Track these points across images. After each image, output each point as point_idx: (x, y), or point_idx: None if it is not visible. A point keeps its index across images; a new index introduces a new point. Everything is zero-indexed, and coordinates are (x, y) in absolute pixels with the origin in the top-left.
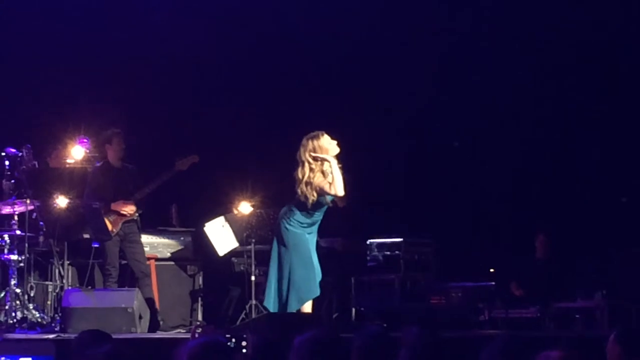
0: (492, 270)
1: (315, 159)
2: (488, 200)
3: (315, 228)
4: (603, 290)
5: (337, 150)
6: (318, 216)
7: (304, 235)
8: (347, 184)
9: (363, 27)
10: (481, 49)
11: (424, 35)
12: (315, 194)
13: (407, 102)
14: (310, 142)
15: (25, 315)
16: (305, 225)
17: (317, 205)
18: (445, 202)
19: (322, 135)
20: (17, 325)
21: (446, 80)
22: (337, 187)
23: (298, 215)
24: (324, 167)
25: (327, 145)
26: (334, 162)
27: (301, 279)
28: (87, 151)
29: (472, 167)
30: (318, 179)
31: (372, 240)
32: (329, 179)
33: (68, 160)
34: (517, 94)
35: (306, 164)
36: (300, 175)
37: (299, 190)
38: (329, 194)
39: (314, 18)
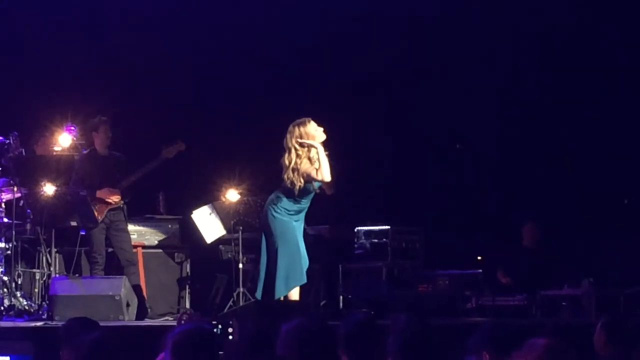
0: (479, 258)
1: (301, 145)
2: (475, 188)
3: (302, 215)
4: (590, 278)
5: (323, 137)
6: (305, 203)
7: (290, 223)
8: (334, 171)
9: (354, 18)
10: (478, 42)
11: (418, 29)
12: (302, 180)
13: (394, 89)
14: (296, 129)
15: (12, 303)
16: (292, 212)
17: (304, 192)
18: (433, 189)
19: (309, 121)
20: (4, 313)
21: (433, 68)
22: (323, 172)
23: (285, 203)
24: (311, 154)
25: (314, 132)
26: (321, 148)
27: (288, 266)
28: (74, 139)
29: (460, 155)
30: (305, 165)
31: (359, 228)
32: (316, 165)
33: (55, 148)
34: (503, 78)
35: (293, 150)
36: (287, 162)
37: (285, 177)
38: (315, 180)
39: (303, 7)
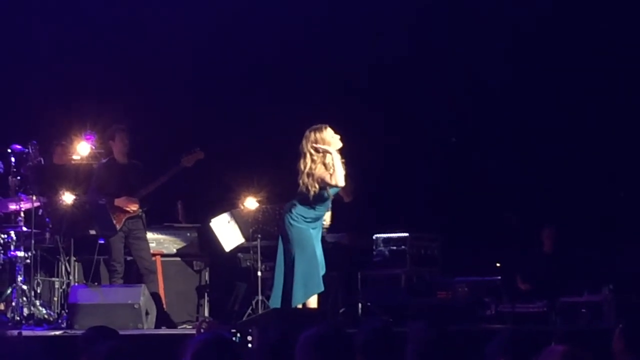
0: (498, 264)
1: (317, 150)
2: (494, 194)
3: (319, 223)
4: (610, 284)
5: (339, 144)
6: (321, 210)
7: (308, 231)
8: (352, 178)
9: (367, 26)
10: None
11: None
12: (317, 186)
13: (410, 98)
14: (312, 134)
15: (32, 312)
16: (309, 220)
17: (319, 198)
18: (451, 196)
19: (325, 128)
20: (24, 322)
21: (450, 73)
22: (337, 177)
23: (301, 210)
24: (326, 160)
25: (330, 139)
26: (336, 154)
27: (305, 274)
28: (93, 147)
29: (478, 161)
30: (319, 171)
31: (378, 235)
32: (330, 170)
33: (74, 157)
34: (519, 84)
35: (308, 155)
36: (302, 167)
37: (300, 182)
38: (329, 185)
39: (321, 14)
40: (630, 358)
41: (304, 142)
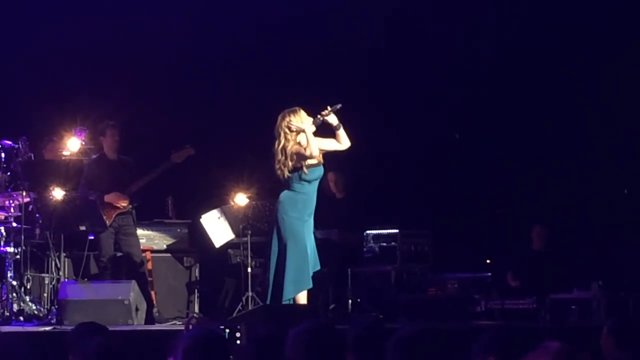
0: (488, 261)
1: (290, 129)
2: (484, 191)
3: (309, 218)
4: (599, 281)
5: (313, 128)
6: (306, 199)
7: (297, 225)
8: (343, 175)
9: (361, 20)
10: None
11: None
12: (290, 164)
13: (404, 94)
14: (287, 115)
15: (21, 308)
16: (296, 214)
17: (299, 185)
18: (442, 193)
19: (299, 110)
20: (13, 318)
21: (443, 70)
22: (312, 148)
23: (289, 201)
24: (300, 139)
25: (303, 120)
26: (309, 130)
27: (294, 269)
28: (83, 143)
29: (468, 158)
30: (293, 147)
31: (368, 232)
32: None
33: (64, 152)
34: (511, 83)
35: (282, 135)
36: (276, 146)
37: (276, 163)
38: (304, 158)
39: (311, 9)
40: (620, 355)
41: (278, 123)
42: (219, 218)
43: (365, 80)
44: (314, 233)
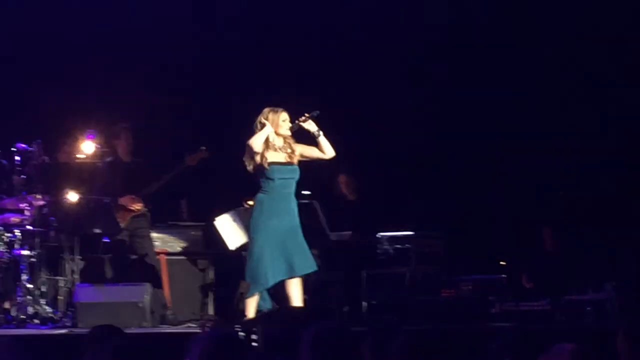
0: (502, 263)
1: (260, 123)
2: (498, 192)
3: (278, 220)
4: (613, 282)
5: (287, 132)
6: (271, 198)
7: (258, 225)
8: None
9: (366, 26)
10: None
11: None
12: (249, 157)
13: (413, 96)
14: (265, 112)
15: (36, 311)
16: (257, 213)
17: (264, 179)
18: (456, 195)
19: (281, 111)
20: (28, 321)
21: (452, 72)
22: (252, 140)
23: (256, 200)
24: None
25: (279, 122)
26: (269, 130)
27: (249, 269)
28: (98, 146)
29: (482, 159)
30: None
31: (382, 234)
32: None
33: (78, 156)
34: (527, 84)
35: (254, 129)
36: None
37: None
38: (251, 151)
39: (323, 14)
40: (636, 357)
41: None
42: (233, 221)
43: (375, 80)
44: (328, 235)
